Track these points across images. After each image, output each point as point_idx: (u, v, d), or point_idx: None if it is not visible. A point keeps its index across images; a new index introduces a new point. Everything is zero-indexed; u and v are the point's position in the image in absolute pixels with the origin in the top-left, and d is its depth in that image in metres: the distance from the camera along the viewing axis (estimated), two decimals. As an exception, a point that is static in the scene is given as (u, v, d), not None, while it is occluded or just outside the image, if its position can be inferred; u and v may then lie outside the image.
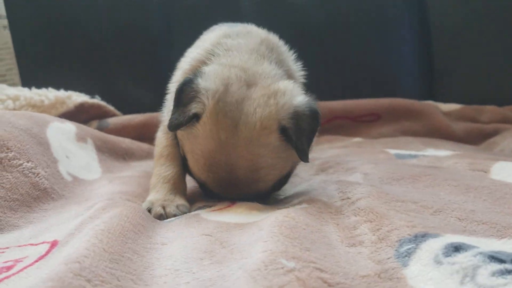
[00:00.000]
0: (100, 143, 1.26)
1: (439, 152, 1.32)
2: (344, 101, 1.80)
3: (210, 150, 0.84)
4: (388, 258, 0.59)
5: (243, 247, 0.64)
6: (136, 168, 1.25)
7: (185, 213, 0.88)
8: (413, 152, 1.30)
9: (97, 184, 1.05)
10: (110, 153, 1.28)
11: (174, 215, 0.87)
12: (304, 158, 0.86)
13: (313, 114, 0.88)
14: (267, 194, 0.94)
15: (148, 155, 1.44)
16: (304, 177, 1.17)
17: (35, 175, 0.88)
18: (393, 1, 1.98)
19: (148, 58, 1.75)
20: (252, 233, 0.68)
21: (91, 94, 1.65)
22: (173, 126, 0.87)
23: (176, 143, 1.01)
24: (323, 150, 1.53)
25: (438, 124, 1.78)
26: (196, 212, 0.85)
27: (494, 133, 1.78)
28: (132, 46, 1.75)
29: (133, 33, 1.76)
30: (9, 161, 0.85)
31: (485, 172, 1.04)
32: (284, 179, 0.94)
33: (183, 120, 0.86)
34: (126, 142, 1.38)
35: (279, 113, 0.85)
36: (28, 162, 0.89)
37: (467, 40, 1.96)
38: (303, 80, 1.11)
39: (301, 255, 0.55)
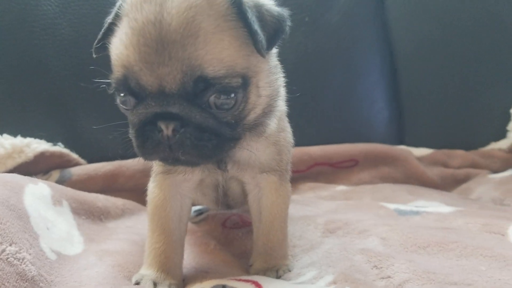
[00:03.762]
0: (76, 204, 1.09)
1: (437, 207, 1.27)
2: (323, 147, 1.75)
3: (135, 8, 0.67)
4: None
5: None
6: (118, 234, 1.10)
7: None
8: (414, 208, 1.25)
9: (84, 261, 0.89)
10: (87, 215, 1.12)
11: None
12: (260, 47, 0.68)
13: (280, 16, 0.75)
14: (217, 95, 0.68)
15: (123, 213, 1.29)
16: (311, 239, 1.07)
17: (21, 261, 0.72)
18: (363, 48, 1.98)
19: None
20: None
21: (52, 139, 1.46)
22: (94, 49, 0.79)
23: (171, 196, 0.88)
24: (313, 201, 1.45)
25: (414, 170, 1.77)
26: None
27: (466, 178, 1.80)
28: (98, 86, 1.58)
29: (98, 71, 1.59)
30: (-9, 247, 0.68)
31: (503, 235, 1.00)
32: (237, 85, 0.69)
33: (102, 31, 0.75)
34: (101, 200, 1.22)
35: None
36: (11, 245, 0.72)
37: (433, 86, 1.99)
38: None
39: None
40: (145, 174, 1.52)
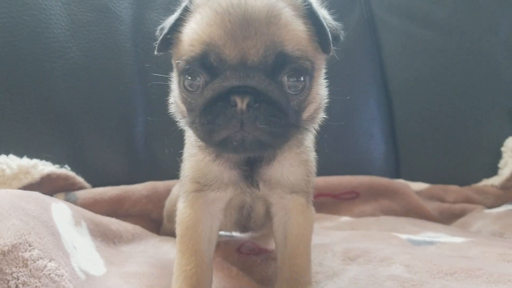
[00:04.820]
0: (93, 226, 1.07)
1: (449, 238, 1.29)
2: (326, 178, 1.76)
3: None
4: None
5: None
6: (135, 258, 1.07)
7: None
8: (427, 238, 1.26)
9: (111, 283, 0.86)
10: (102, 238, 1.09)
11: None
12: (329, 41, 0.76)
13: (338, 26, 0.83)
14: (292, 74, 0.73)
15: (133, 238, 1.26)
16: (332, 266, 1.06)
17: (61, 278, 0.69)
18: (361, 84, 2.04)
19: (123, 123, 1.58)
20: None
21: (58, 162, 1.43)
22: (159, 43, 0.80)
23: (203, 217, 0.87)
24: (320, 231, 1.44)
25: (414, 204, 1.80)
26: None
27: (462, 213, 1.83)
28: (105, 109, 1.57)
29: (107, 95, 1.58)
30: (34, 262, 0.66)
31: (521, 263, 1.02)
32: (308, 68, 0.74)
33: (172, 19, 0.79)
34: (114, 224, 1.19)
35: None
36: (50, 261, 0.69)
37: (426, 122, 2.05)
38: None
39: None
40: (151, 200, 1.51)
